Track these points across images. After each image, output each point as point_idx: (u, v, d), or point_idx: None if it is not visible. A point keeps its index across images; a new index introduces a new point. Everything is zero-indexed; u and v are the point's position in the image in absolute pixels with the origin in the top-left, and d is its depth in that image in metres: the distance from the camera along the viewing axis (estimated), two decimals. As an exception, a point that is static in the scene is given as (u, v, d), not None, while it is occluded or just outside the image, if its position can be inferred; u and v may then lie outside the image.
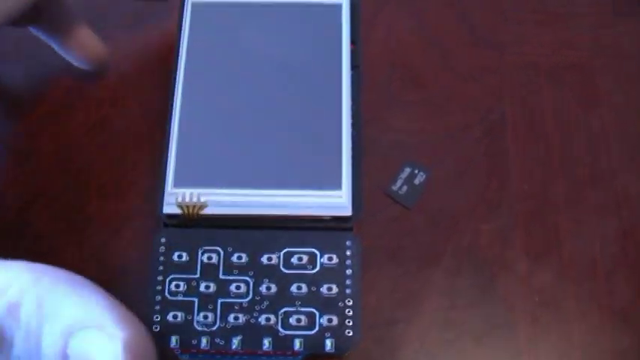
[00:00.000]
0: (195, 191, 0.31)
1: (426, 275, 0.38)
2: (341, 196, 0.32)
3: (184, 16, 0.36)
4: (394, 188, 0.39)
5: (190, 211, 0.31)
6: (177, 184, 0.32)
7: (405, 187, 0.39)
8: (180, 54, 0.35)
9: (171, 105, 0.33)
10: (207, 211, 0.31)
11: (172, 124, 0.33)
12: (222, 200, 0.31)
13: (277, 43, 0.35)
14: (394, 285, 0.38)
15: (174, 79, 0.34)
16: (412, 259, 0.38)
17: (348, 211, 0.32)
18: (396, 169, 0.40)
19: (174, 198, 0.31)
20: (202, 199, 0.31)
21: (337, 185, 0.32)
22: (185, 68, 0.34)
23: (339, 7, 0.37)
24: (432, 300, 0.38)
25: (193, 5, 0.36)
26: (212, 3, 0.36)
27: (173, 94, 0.34)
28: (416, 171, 0.40)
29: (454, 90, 0.43)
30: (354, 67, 0.36)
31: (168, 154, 0.32)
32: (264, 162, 0.32)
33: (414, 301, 0.37)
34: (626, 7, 0.46)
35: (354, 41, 0.37)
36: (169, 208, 0.31)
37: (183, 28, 0.35)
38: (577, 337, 0.37)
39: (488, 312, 0.37)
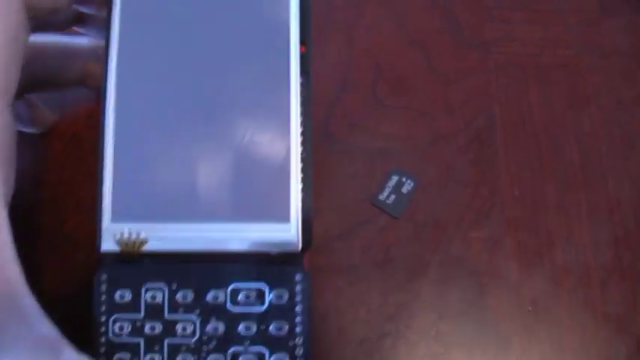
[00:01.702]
0: (135, 226, 0.29)
1: (415, 287, 0.37)
2: (289, 230, 0.29)
3: (113, 13, 0.30)
4: (381, 198, 0.38)
5: (130, 248, 0.29)
6: (114, 218, 0.29)
7: (392, 196, 0.38)
8: (110, 60, 0.29)
9: (103, 126, 0.29)
10: (148, 247, 0.29)
11: (105, 150, 0.29)
12: (164, 236, 0.29)
13: (219, 43, 0.30)
14: (384, 298, 0.37)
15: (104, 91, 0.29)
16: (401, 271, 0.37)
17: (296, 247, 0.29)
18: (382, 177, 0.39)
19: (112, 234, 0.29)
20: (142, 235, 0.29)
21: (285, 217, 0.29)
22: (117, 80, 0.29)
23: (285, 0, 0.31)
24: (421, 312, 0.37)
25: None
26: None
27: (104, 112, 0.29)
28: (403, 179, 0.39)
29: (440, 94, 0.42)
30: (303, 73, 0.31)
31: (103, 187, 0.29)
32: (207, 191, 0.29)
33: (403, 313, 0.36)
34: (611, 3, 0.45)
35: (304, 42, 0.31)
36: (108, 245, 0.29)
37: (112, 30, 0.30)
38: (571, 346, 0.36)
39: (479, 323, 0.36)
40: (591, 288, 0.37)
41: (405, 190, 0.38)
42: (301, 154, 0.30)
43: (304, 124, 0.30)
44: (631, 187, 0.39)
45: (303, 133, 0.30)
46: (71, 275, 0.37)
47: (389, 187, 0.38)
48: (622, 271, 0.37)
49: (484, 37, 0.44)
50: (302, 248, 0.29)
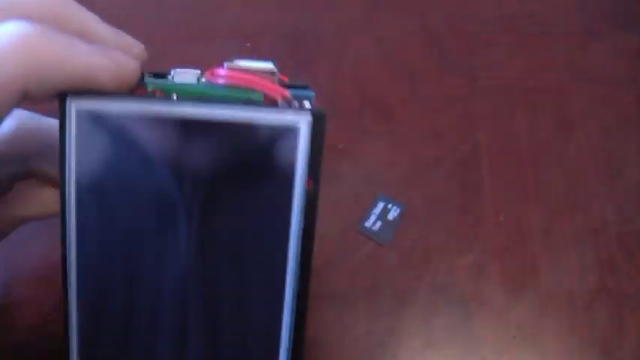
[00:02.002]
0: None
1: (402, 314, 0.37)
2: None
3: (68, 132, 0.26)
4: (367, 225, 0.39)
5: None
6: None
7: (378, 223, 0.39)
8: (67, 196, 0.26)
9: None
10: None
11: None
12: None
13: (202, 184, 0.26)
14: (370, 325, 0.37)
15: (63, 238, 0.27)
16: (388, 298, 0.38)
17: None
18: (368, 203, 0.39)
19: None
20: None
21: None
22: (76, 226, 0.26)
23: (293, 132, 0.25)
24: (408, 339, 0.37)
25: (79, 115, 0.26)
26: (108, 113, 0.26)
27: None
28: (389, 206, 0.39)
29: (425, 120, 0.42)
30: (307, 217, 0.26)
31: None
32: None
33: (390, 340, 0.37)
34: (599, 27, 0.46)
35: (312, 175, 0.26)
36: None
37: (67, 153, 0.26)
38: (557, 372, 0.36)
39: (466, 350, 0.37)
40: (576, 313, 0.37)
41: (391, 216, 0.39)
42: (294, 320, 0.27)
43: (300, 287, 0.27)
44: (615, 212, 0.40)
45: (299, 298, 0.27)
46: None
47: (375, 213, 0.39)
48: (607, 295, 0.38)
49: (470, 62, 0.44)
50: None
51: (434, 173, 0.40)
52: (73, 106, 0.25)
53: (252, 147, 0.26)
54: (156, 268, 0.27)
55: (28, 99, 0.24)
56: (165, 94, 0.28)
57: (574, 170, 0.41)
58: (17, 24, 0.24)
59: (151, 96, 0.27)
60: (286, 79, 0.28)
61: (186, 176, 0.26)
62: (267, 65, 0.27)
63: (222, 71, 0.27)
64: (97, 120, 0.26)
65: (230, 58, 0.28)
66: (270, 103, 0.27)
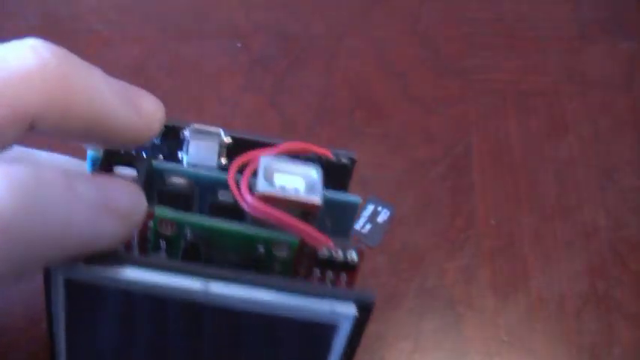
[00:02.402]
0: None
1: (391, 317, 0.37)
2: None
3: (56, 305, 0.22)
4: (357, 227, 0.38)
5: None
6: None
7: (368, 226, 0.38)
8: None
9: None
10: None
11: None
12: None
13: None
14: (358, 328, 0.37)
15: None
16: (377, 301, 0.37)
17: None
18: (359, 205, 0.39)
19: None
20: None
21: None
22: None
23: (331, 329, 0.22)
24: (397, 342, 0.37)
25: (68, 284, 0.22)
26: (105, 285, 0.21)
27: None
28: (379, 208, 0.39)
29: (418, 122, 0.42)
30: None
31: None
32: None
33: (378, 345, 0.36)
34: (592, 31, 0.45)
35: None
36: None
37: (56, 325, 0.23)
38: (546, 378, 0.36)
39: (455, 353, 0.36)
40: (566, 318, 0.37)
41: (380, 219, 0.38)
42: None
43: None
44: (607, 217, 0.39)
45: None
46: None
47: (364, 216, 0.38)
48: (597, 301, 0.37)
49: (464, 64, 0.44)
50: None
51: (425, 175, 0.40)
52: (60, 276, 0.21)
53: (276, 338, 0.22)
54: None
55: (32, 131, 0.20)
56: (175, 227, 0.23)
57: (566, 174, 0.41)
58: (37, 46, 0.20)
59: (155, 259, 0.23)
60: (329, 154, 0.26)
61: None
62: (313, 198, 0.22)
63: (249, 199, 0.22)
64: (88, 291, 0.22)
65: (264, 160, 0.23)
66: (309, 244, 0.23)
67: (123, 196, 0.21)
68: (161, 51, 0.44)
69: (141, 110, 0.22)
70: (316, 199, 0.22)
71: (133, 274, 0.21)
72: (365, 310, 0.21)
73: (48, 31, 0.44)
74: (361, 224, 0.38)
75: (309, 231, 0.22)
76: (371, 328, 0.36)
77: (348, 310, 0.21)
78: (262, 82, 0.43)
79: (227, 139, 0.25)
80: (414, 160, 0.41)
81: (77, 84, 0.20)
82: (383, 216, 0.39)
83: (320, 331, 0.21)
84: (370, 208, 0.39)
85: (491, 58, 0.44)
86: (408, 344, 0.36)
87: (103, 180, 0.21)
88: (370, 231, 0.38)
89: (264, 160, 0.23)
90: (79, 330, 0.23)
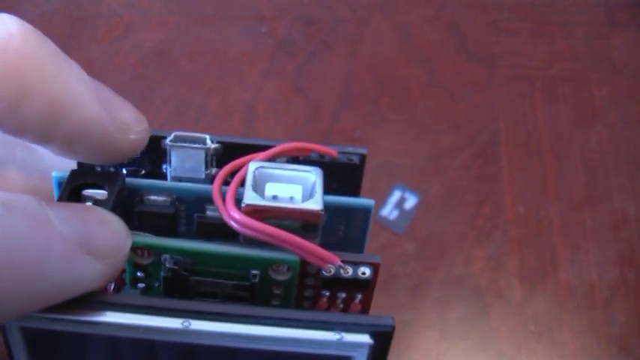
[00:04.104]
0: None
1: (417, 305, 0.37)
2: None
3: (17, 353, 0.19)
4: (384, 214, 0.38)
5: None
6: None
7: (395, 212, 0.38)
8: None
9: None
10: None
11: None
12: None
13: None
14: (384, 316, 0.36)
15: None
16: (403, 289, 0.37)
17: None
18: (385, 192, 0.39)
19: None
20: None
21: None
22: None
23: None
24: (423, 330, 0.36)
25: (26, 334, 0.19)
26: (62, 331, 0.18)
27: None
28: (406, 195, 0.38)
29: (444, 108, 0.41)
30: None
31: None
32: None
33: (404, 332, 0.36)
34: (620, 16, 0.44)
35: None
36: None
37: None
38: (574, 368, 0.36)
39: (481, 344, 0.36)
40: (595, 308, 0.37)
41: (407, 206, 0.38)
42: None
43: None
44: (636, 206, 0.39)
45: None
46: None
47: (391, 203, 0.38)
48: (627, 290, 0.37)
49: (490, 50, 0.43)
50: None
51: (451, 163, 0.40)
52: (15, 325, 0.18)
53: None
54: None
55: None
56: (154, 254, 0.20)
57: (595, 162, 0.40)
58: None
59: (123, 297, 0.19)
60: (335, 154, 0.21)
61: None
62: (311, 206, 0.19)
63: (236, 215, 0.18)
64: (49, 339, 0.18)
65: (253, 166, 0.20)
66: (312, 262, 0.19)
67: (105, 232, 0.18)
68: (184, 35, 0.44)
69: (116, 115, 0.19)
70: (315, 206, 0.19)
71: (103, 317, 0.18)
72: (383, 338, 0.18)
73: (69, 13, 0.43)
74: (388, 211, 0.38)
75: (309, 247, 0.19)
76: (398, 316, 0.36)
77: (361, 339, 0.17)
78: (286, 66, 0.42)
79: (214, 146, 0.22)
80: (439, 147, 0.40)
81: (41, 65, 0.17)
82: (410, 203, 0.38)
83: None
84: (397, 194, 0.38)
85: (517, 44, 0.44)
86: (434, 333, 0.36)
87: (83, 212, 0.18)
88: (397, 218, 0.38)
89: (253, 166, 0.20)
90: None
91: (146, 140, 0.19)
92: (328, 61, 0.43)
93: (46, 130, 0.18)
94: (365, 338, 0.17)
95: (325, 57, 0.43)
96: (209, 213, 0.21)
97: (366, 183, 0.39)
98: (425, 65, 0.42)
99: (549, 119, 0.41)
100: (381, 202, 0.38)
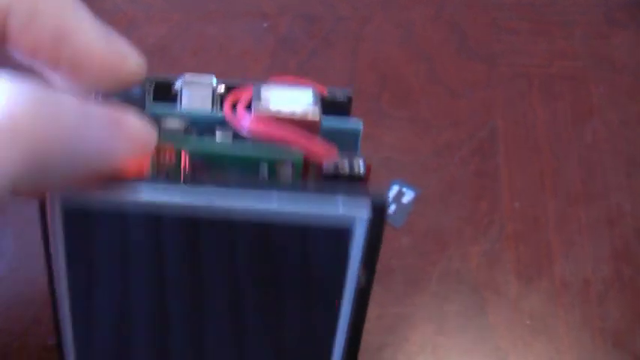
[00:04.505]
0: None
1: (414, 300, 0.37)
2: None
3: (54, 234, 0.21)
4: (382, 209, 0.38)
5: None
6: None
7: (393, 206, 0.38)
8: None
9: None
10: None
11: None
12: None
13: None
14: (382, 309, 0.37)
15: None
16: (400, 283, 0.37)
17: None
18: (385, 187, 0.39)
19: None
20: None
21: None
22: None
23: (345, 233, 0.21)
24: (421, 324, 0.37)
25: (67, 214, 0.21)
26: (107, 212, 0.20)
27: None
28: (404, 189, 0.39)
29: (444, 105, 0.42)
30: (357, 313, 0.23)
31: None
32: None
33: (402, 326, 0.37)
34: (620, 16, 0.45)
35: (366, 266, 0.23)
36: None
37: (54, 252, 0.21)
38: (569, 362, 0.36)
39: (478, 338, 0.36)
40: (590, 303, 0.37)
41: (405, 200, 0.38)
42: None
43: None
44: (632, 203, 0.39)
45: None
46: None
47: (389, 197, 0.38)
48: (621, 286, 0.37)
49: (490, 48, 0.44)
50: None
51: (450, 159, 0.40)
52: (57, 204, 0.20)
53: (288, 249, 0.21)
54: None
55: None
56: (174, 156, 0.22)
57: (591, 160, 0.40)
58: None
59: (154, 179, 0.21)
60: (324, 91, 0.24)
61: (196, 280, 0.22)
62: (311, 115, 0.22)
63: (247, 120, 0.21)
64: (88, 218, 0.21)
65: (257, 87, 0.22)
66: (312, 162, 0.22)
67: (135, 120, 0.20)
68: (186, 31, 0.44)
69: (116, 43, 0.21)
70: (314, 116, 0.22)
71: (136, 195, 0.20)
72: (378, 210, 0.20)
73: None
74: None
75: (312, 143, 0.22)
76: (395, 310, 0.37)
77: (361, 213, 0.20)
78: (288, 63, 0.43)
79: (220, 87, 0.24)
80: (439, 143, 0.40)
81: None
82: (407, 197, 0.39)
83: (333, 238, 0.20)
84: (395, 188, 0.39)
85: (517, 42, 0.44)
86: (431, 326, 0.36)
87: (114, 104, 0.20)
88: (395, 211, 0.38)
89: (257, 87, 0.22)
90: (79, 266, 0.22)
91: (144, 71, 0.22)
92: (330, 59, 0.43)
93: (55, 51, 0.20)
94: (364, 209, 0.20)
95: (327, 54, 0.43)
96: (219, 138, 0.23)
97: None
98: (426, 63, 0.43)
99: (547, 117, 0.41)
100: (380, 197, 0.39)
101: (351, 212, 0.20)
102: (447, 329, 0.36)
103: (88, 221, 0.21)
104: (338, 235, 0.20)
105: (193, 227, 0.20)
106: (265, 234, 0.20)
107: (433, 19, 0.44)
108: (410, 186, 0.39)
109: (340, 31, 0.43)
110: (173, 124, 0.23)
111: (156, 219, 0.20)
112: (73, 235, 0.21)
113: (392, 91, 0.42)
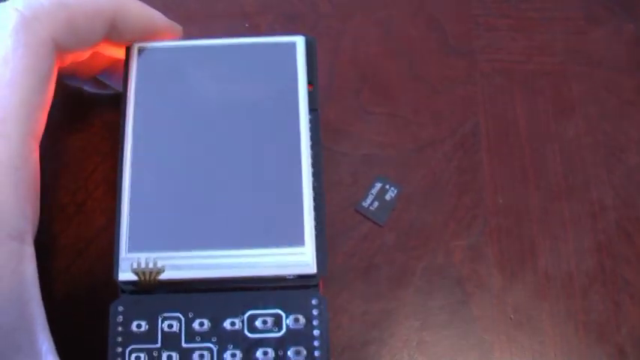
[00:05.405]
0: (152, 255, 0.29)
1: (398, 295, 0.37)
2: (304, 253, 0.29)
3: (130, 64, 0.32)
4: (365, 204, 0.38)
5: (147, 277, 0.29)
6: (131, 248, 0.29)
7: (375, 203, 0.38)
8: (128, 104, 0.32)
9: (121, 163, 0.31)
10: (164, 276, 0.29)
11: (123, 184, 0.30)
12: (180, 264, 0.29)
13: (230, 88, 0.32)
14: (366, 306, 0.37)
15: (123, 134, 0.31)
16: (384, 279, 0.37)
17: (312, 269, 0.29)
18: (366, 184, 0.39)
19: (129, 264, 0.29)
20: (159, 264, 0.29)
21: (300, 241, 0.29)
22: (134, 121, 0.31)
23: (292, 45, 0.33)
24: (405, 320, 0.37)
25: (140, 51, 0.33)
26: (160, 48, 0.33)
27: (122, 151, 0.31)
28: (387, 186, 0.39)
29: (425, 101, 0.42)
30: (312, 110, 0.32)
31: (121, 217, 0.30)
32: (221, 219, 0.30)
33: (386, 322, 0.37)
34: (598, 12, 0.45)
35: (311, 82, 0.33)
36: (125, 274, 0.29)
37: (130, 77, 0.32)
38: (553, 355, 0.36)
39: (462, 332, 0.36)
40: (574, 296, 0.37)
41: (388, 197, 0.38)
42: (313, 183, 0.31)
43: (314, 155, 0.31)
44: (614, 196, 0.39)
45: (313, 165, 0.31)
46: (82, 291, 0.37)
47: (372, 194, 0.38)
48: (605, 280, 0.38)
49: (470, 45, 0.44)
50: (317, 271, 0.29)
51: (432, 155, 0.40)
52: (136, 46, 0.33)
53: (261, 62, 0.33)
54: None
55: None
56: None
57: (573, 154, 0.41)
58: None
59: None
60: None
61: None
62: None
63: None
64: (158, 54, 0.33)
65: None
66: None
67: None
68: (167, 30, 0.44)
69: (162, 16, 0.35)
70: None
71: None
72: (310, 39, 0.34)
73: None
74: (369, 202, 0.38)
75: None
76: (380, 305, 0.37)
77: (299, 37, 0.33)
78: (269, 61, 0.43)
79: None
80: (421, 139, 0.41)
81: None
82: (391, 194, 0.39)
83: (283, 51, 0.33)
84: (378, 185, 0.39)
85: (497, 39, 0.44)
86: (416, 322, 0.36)
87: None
88: (378, 208, 0.38)
89: None
90: (143, 107, 0.32)
91: (180, 32, 0.36)
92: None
93: (141, 33, 0.33)
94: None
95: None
96: None
97: (347, 175, 0.39)
98: (406, 59, 0.43)
99: (528, 112, 0.42)
100: (362, 193, 0.39)
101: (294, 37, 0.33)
102: (432, 324, 0.36)
103: (157, 56, 0.33)
104: (287, 47, 0.33)
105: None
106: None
107: (413, 16, 0.44)
108: (392, 183, 0.39)
109: (321, 29, 0.43)
110: None
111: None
112: (145, 69, 0.32)
113: (372, 88, 0.42)
